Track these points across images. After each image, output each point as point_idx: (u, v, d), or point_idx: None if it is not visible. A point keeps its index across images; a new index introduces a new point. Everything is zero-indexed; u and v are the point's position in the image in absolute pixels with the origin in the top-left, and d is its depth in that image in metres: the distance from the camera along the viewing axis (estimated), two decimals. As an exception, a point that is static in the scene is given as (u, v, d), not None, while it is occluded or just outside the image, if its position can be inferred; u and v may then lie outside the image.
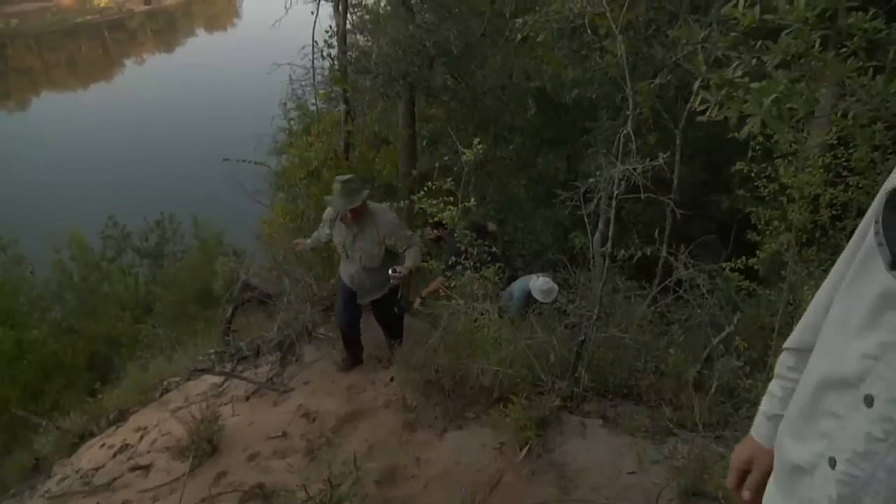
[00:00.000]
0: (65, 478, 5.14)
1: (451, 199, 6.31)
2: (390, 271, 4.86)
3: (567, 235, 10.27)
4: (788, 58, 2.31)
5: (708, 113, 2.50)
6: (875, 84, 2.23)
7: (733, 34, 2.86)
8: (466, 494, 2.93)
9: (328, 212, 5.14)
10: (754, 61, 2.43)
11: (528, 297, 6.13)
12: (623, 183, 4.57)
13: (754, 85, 2.33)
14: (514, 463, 3.99)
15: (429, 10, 9.21)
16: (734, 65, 2.45)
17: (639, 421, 4.26)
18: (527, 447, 4.00)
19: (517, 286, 6.36)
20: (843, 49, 2.29)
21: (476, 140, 5.80)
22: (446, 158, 11.10)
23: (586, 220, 5.95)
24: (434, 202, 5.45)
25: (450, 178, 6.67)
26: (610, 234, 5.05)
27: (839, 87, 2.32)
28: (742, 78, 2.39)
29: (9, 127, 40.48)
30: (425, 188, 5.88)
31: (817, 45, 2.25)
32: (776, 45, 2.32)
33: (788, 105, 2.23)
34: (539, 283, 6.09)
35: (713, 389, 4.36)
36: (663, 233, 6.42)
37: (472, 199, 5.63)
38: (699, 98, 2.54)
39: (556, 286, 6.16)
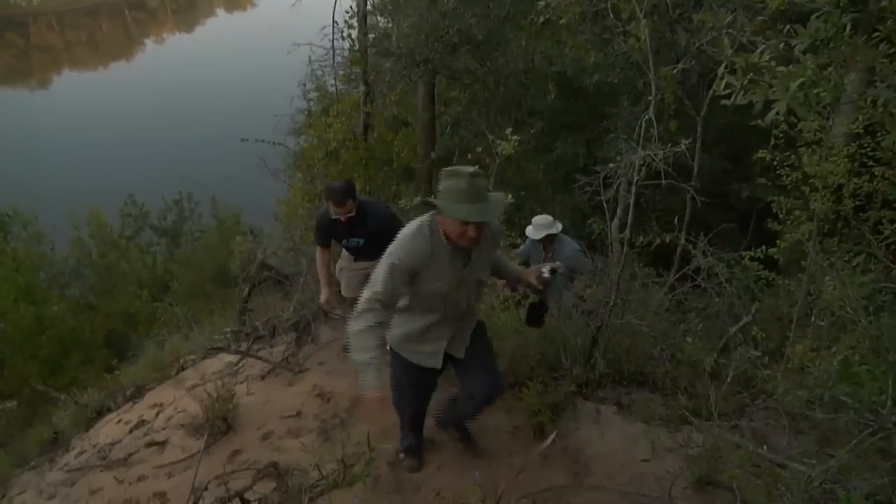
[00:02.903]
0: (82, 451, 5.21)
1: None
2: (544, 272, 3.47)
3: (585, 221, 10.23)
4: (817, 42, 2.26)
5: (733, 98, 2.46)
6: (907, 70, 2.19)
7: (760, 18, 2.81)
8: (479, 478, 2.92)
9: (409, 244, 3.07)
10: (781, 46, 2.38)
11: (531, 245, 6.05)
12: (643, 169, 4.52)
13: (781, 69, 2.28)
14: (528, 447, 3.98)
15: (453, -5, 9.14)
16: (760, 48, 2.40)
17: (654, 409, 4.24)
18: (552, 438, 3.96)
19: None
20: (875, 34, 2.24)
21: (509, 131, 5.78)
22: (477, 148, 11.08)
23: (605, 205, 5.89)
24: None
25: (476, 167, 6.63)
26: (629, 220, 5.00)
27: (868, 73, 2.27)
28: (769, 62, 2.35)
29: (30, 105, 40.79)
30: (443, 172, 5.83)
31: (847, 29, 2.20)
32: (804, 29, 2.27)
33: (816, 91, 2.19)
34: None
35: (729, 379, 4.33)
36: (682, 220, 6.37)
37: (509, 196, 5.39)
38: (724, 82, 2.49)
39: (547, 219, 5.88)
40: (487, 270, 3.35)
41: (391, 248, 3.10)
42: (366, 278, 4.50)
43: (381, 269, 3.05)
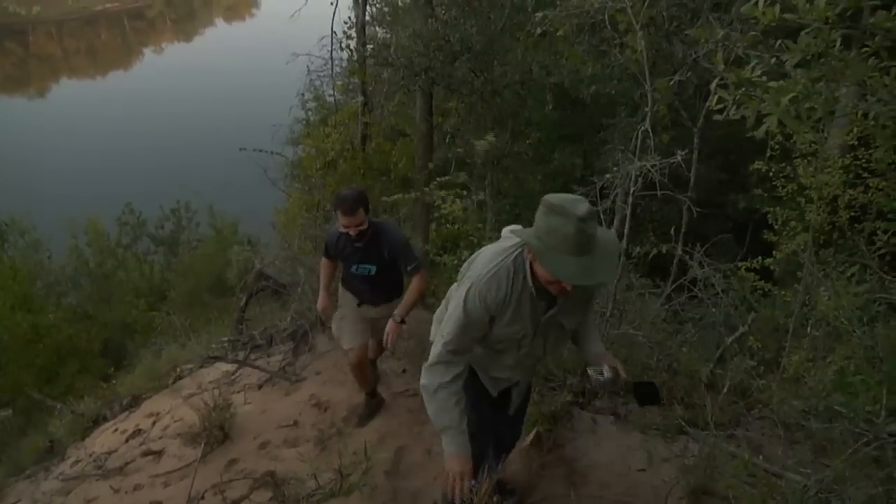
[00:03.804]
0: (78, 461, 5.20)
1: (465, 191, 6.31)
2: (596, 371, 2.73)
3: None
4: (808, 57, 2.30)
5: (725, 112, 2.49)
6: (897, 84, 2.22)
7: (752, 33, 2.85)
8: (476, 487, 2.93)
9: (487, 288, 2.51)
10: (773, 60, 2.41)
11: None
12: (640, 180, 4.56)
13: (772, 84, 2.32)
14: (525, 457, 3.99)
15: (451, 5, 9.18)
16: (752, 63, 2.44)
17: (650, 419, 4.25)
18: (534, 433, 3.99)
19: None
20: (865, 48, 2.28)
21: (490, 133, 5.80)
22: (460, 150, 11.10)
23: (602, 216, 5.92)
24: (444, 193, 5.41)
25: (462, 172, 6.67)
26: (625, 230, 5.04)
27: (861, 87, 2.30)
28: (760, 77, 2.38)
29: (28, 114, 40.83)
30: (436, 180, 5.87)
31: (838, 44, 2.24)
32: (796, 44, 2.30)
33: (807, 105, 2.22)
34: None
35: (726, 389, 4.34)
36: (679, 231, 6.38)
37: (482, 194, 5.43)
38: (716, 97, 2.52)
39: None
40: (574, 319, 2.77)
41: (465, 289, 2.54)
42: (369, 331, 4.32)
43: (453, 317, 2.58)
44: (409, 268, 4.02)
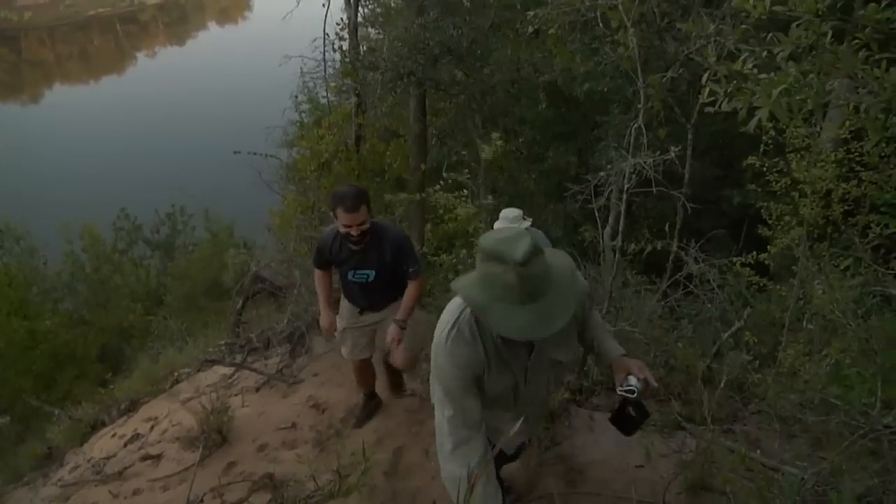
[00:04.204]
0: (77, 466, 5.19)
1: (465, 192, 6.30)
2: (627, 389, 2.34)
3: (577, 229, 10.26)
4: (799, 50, 2.30)
5: (717, 105, 2.50)
6: (888, 76, 2.22)
7: (743, 26, 2.86)
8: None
9: (451, 360, 2.23)
10: (764, 54, 2.42)
11: None
12: (634, 176, 4.56)
13: (763, 77, 2.32)
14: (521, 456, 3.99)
15: (436, 6, 9.20)
16: (743, 56, 2.44)
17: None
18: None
19: None
20: (855, 41, 2.28)
21: (496, 136, 5.77)
22: (464, 153, 11.11)
23: (597, 214, 5.92)
24: (447, 194, 5.37)
25: (465, 172, 6.64)
26: (620, 228, 5.04)
27: (852, 79, 2.31)
28: (752, 70, 2.39)
29: (22, 120, 40.76)
30: (440, 183, 5.84)
31: (829, 36, 2.24)
32: (787, 37, 2.31)
33: (798, 97, 2.23)
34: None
35: (722, 384, 4.35)
36: (674, 227, 6.39)
37: (490, 197, 5.37)
38: (707, 91, 2.53)
39: (517, 212, 5.40)
40: (568, 348, 2.45)
41: (434, 368, 2.31)
42: (371, 345, 4.21)
43: (438, 395, 2.32)
44: (411, 269, 3.79)
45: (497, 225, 5.72)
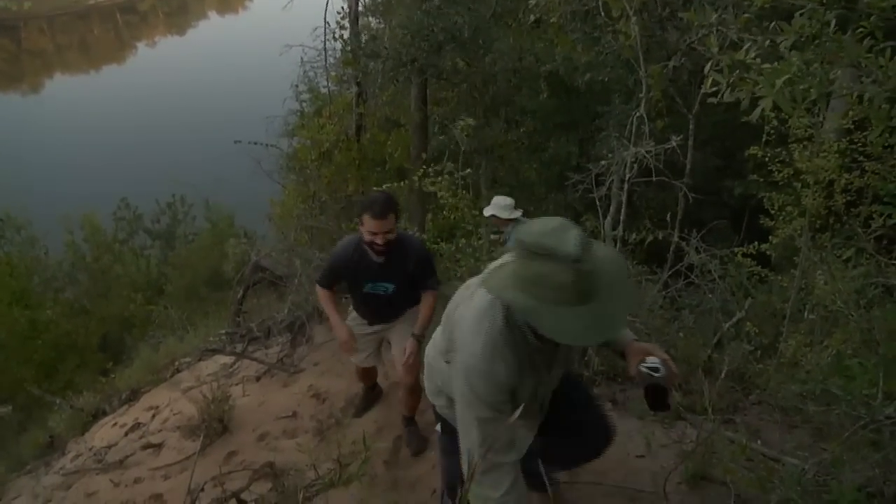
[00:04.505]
0: (78, 455, 5.21)
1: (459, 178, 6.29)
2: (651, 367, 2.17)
3: (579, 219, 10.23)
4: (803, 39, 2.28)
5: (719, 95, 2.48)
6: (893, 65, 2.20)
7: (746, 16, 2.83)
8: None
9: (492, 372, 1.97)
10: (767, 43, 2.40)
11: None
12: (635, 166, 4.55)
13: (766, 66, 2.31)
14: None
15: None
16: (746, 46, 2.43)
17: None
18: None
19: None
20: (859, 29, 2.27)
21: (465, 121, 5.79)
22: (442, 137, 11.07)
23: (598, 203, 5.91)
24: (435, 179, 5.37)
25: (451, 163, 6.65)
26: (621, 217, 5.04)
27: (856, 68, 2.30)
28: (755, 59, 2.37)
29: (22, 109, 40.69)
30: (427, 169, 5.82)
31: (833, 25, 2.23)
32: (790, 26, 2.30)
33: (802, 86, 2.21)
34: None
35: (723, 374, 4.34)
36: (675, 217, 6.39)
37: (469, 170, 5.34)
38: (710, 80, 2.51)
39: (509, 200, 5.53)
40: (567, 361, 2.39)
41: (465, 395, 2.02)
42: (380, 355, 4.11)
43: (467, 420, 2.05)
44: (430, 283, 3.63)
45: (487, 212, 5.71)
